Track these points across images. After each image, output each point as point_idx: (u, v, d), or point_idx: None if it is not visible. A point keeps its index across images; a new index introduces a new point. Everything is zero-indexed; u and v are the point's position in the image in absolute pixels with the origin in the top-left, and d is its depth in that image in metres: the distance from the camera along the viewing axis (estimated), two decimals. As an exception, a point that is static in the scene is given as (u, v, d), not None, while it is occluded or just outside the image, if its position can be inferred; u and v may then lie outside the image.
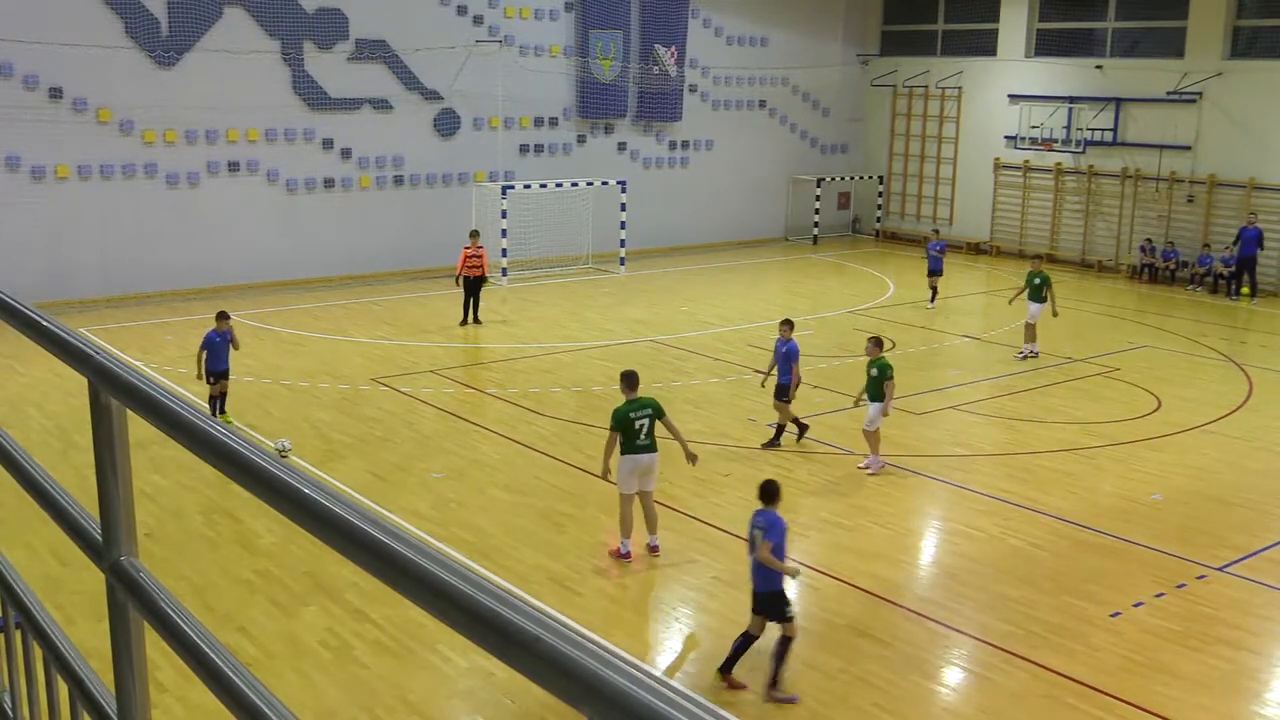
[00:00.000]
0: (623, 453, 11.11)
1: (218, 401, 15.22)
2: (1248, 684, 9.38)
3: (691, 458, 11.61)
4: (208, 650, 1.79)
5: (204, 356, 15.00)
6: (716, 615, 10.28)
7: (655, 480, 11.45)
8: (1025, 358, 19.63)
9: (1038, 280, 19.60)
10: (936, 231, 26.84)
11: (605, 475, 11.50)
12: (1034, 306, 19.59)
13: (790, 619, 8.95)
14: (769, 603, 8.96)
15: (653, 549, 11.48)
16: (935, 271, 24.12)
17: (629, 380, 11.48)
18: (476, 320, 21.82)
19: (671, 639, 10.05)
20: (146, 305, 22.98)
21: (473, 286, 21.67)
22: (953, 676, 9.44)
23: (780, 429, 14.86)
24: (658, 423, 11.23)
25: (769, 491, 9.19)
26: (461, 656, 9.17)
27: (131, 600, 1.93)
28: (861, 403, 14.16)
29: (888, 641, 9.82)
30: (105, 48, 22.45)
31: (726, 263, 29.83)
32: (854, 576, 11.05)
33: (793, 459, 14.37)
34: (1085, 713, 8.74)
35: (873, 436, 13.96)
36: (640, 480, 11.22)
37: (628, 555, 11.26)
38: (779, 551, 8.91)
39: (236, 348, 15.35)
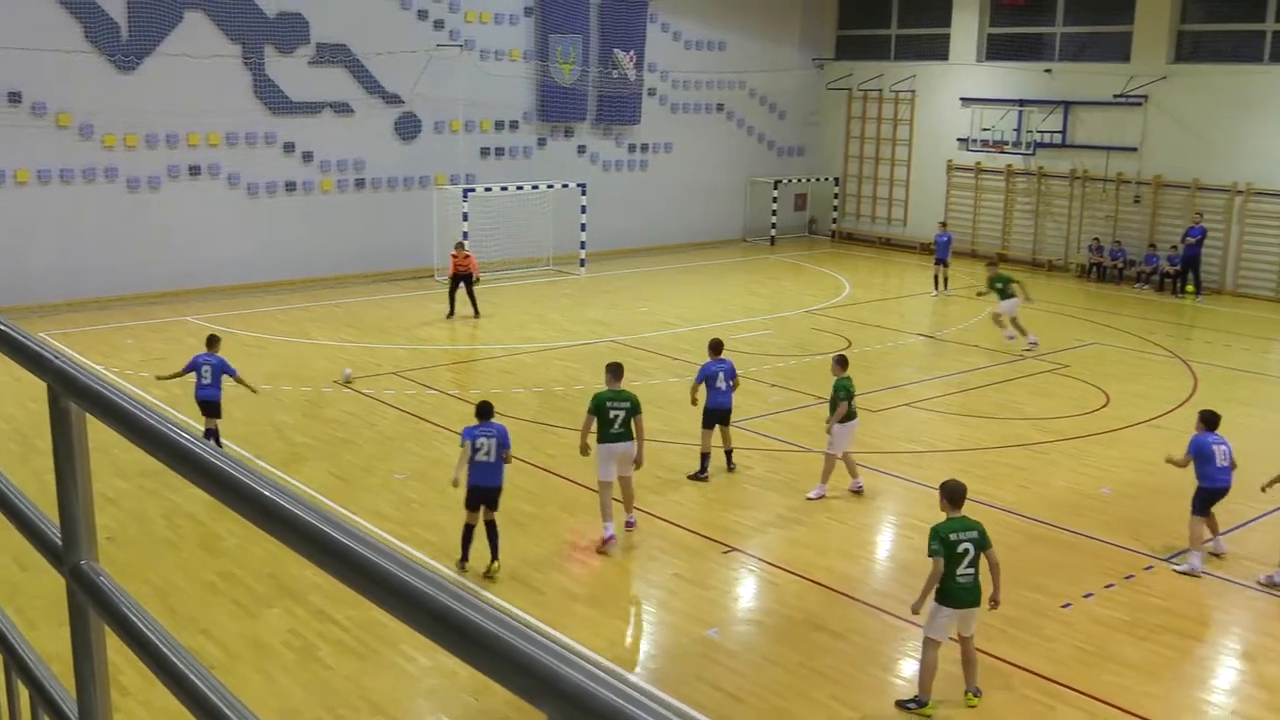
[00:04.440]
0: (599, 441, 11.65)
1: (211, 435, 13.77)
2: (1194, 671, 9.62)
3: (637, 462, 11.97)
4: (169, 653, 1.78)
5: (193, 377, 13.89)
6: (677, 612, 10.43)
7: (630, 466, 11.90)
8: (1032, 347, 20.48)
9: (999, 284, 20.54)
10: (944, 224, 27.85)
11: (584, 451, 11.94)
12: (1006, 304, 20.54)
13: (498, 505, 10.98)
14: (499, 495, 10.93)
15: (629, 524, 12.04)
16: (942, 260, 26.10)
17: (614, 371, 12.06)
18: (476, 313, 22.45)
19: (632, 636, 10.19)
20: (108, 309, 22.83)
21: (457, 282, 22.30)
22: (909, 668, 9.56)
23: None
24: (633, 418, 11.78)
25: (487, 409, 11.08)
26: (425, 656, 9.23)
27: (92, 604, 1.91)
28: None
29: (845, 635, 9.99)
30: (64, 52, 22.28)
31: (685, 264, 30.04)
32: (811, 572, 11.24)
33: (753, 456, 14.57)
34: (1038, 702, 8.93)
35: (829, 460, 13.26)
36: (618, 468, 11.74)
37: (612, 539, 11.63)
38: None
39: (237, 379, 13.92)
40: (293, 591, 10.42)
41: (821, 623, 10.21)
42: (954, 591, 8.65)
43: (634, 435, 11.76)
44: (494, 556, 11.00)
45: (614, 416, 11.63)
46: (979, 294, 21.24)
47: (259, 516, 1.45)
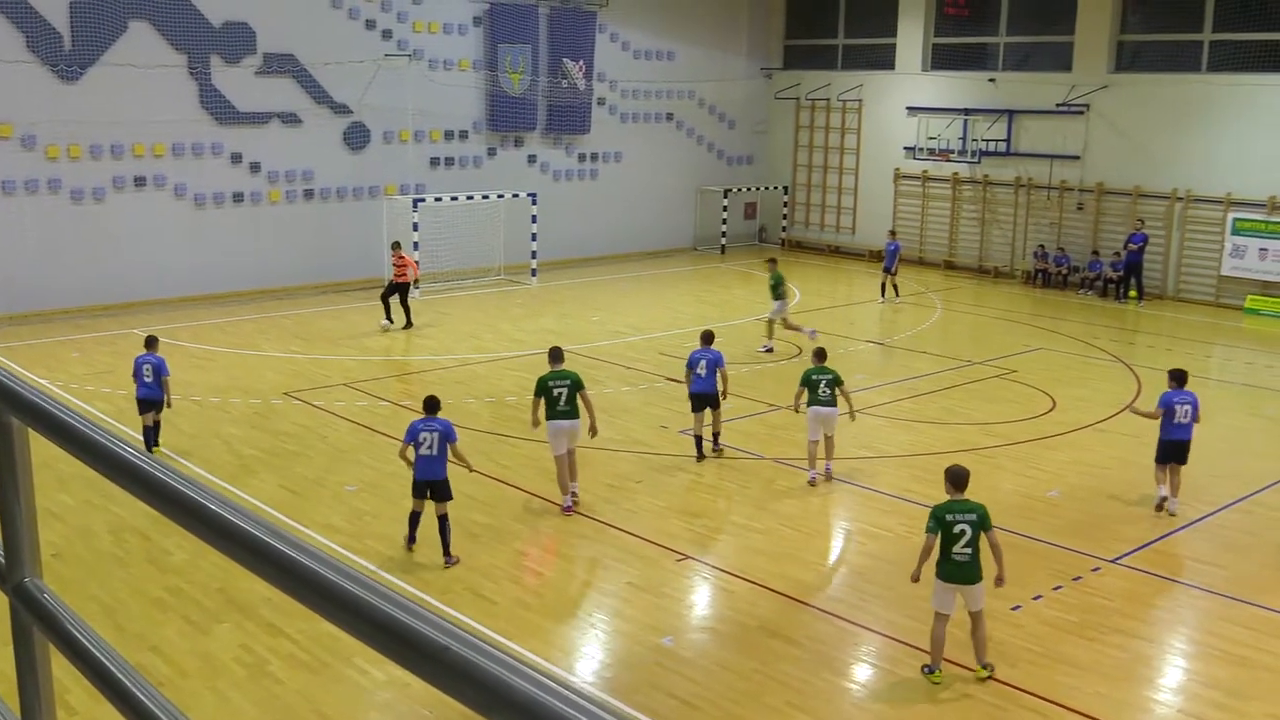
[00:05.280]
0: (546, 419, 12.70)
1: (151, 433, 14.41)
2: (1142, 671, 9.74)
3: (592, 431, 13.05)
4: (116, 671, 1.76)
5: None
6: (632, 620, 10.43)
7: (577, 441, 12.92)
8: (768, 351, 20.71)
9: (772, 282, 20.77)
10: (893, 233, 28.05)
11: (534, 424, 12.98)
12: (777, 305, 20.75)
13: (450, 497, 11.44)
14: (445, 487, 11.36)
15: (572, 498, 12.92)
16: (889, 269, 26.27)
17: (555, 354, 13.24)
18: (409, 323, 22.31)
19: (587, 645, 10.18)
20: (52, 322, 22.47)
21: (394, 290, 22.18)
22: (863, 673, 9.68)
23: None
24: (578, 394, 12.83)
25: (434, 404, 11.63)
26: (378, 669, 9.16)
27: (36, 622, 1.89)
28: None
29: (799, 641, 10.04)
30: (6, 62, 21.92)
31: (636, 273, 30.09)
32: (766, 579, 11.29)
33: (705, 464, 14.62)
34: (989, 703, 9.01)
35: (811, 446, 14.15)
36: (567, 442, 12.76)
37: (570, 507, 12.88)
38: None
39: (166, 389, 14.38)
40: (243, 606, 10.31)
41: (776, 629, 10.25)
42: (949, 568, 9.30)
43: (579, 413, 12.74)
44: (445, 552, 11.39)
45: (558, 394, 12.65)
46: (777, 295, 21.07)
47: (205, 531, 1.45)
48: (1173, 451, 13.04)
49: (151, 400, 14.30)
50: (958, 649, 9.72)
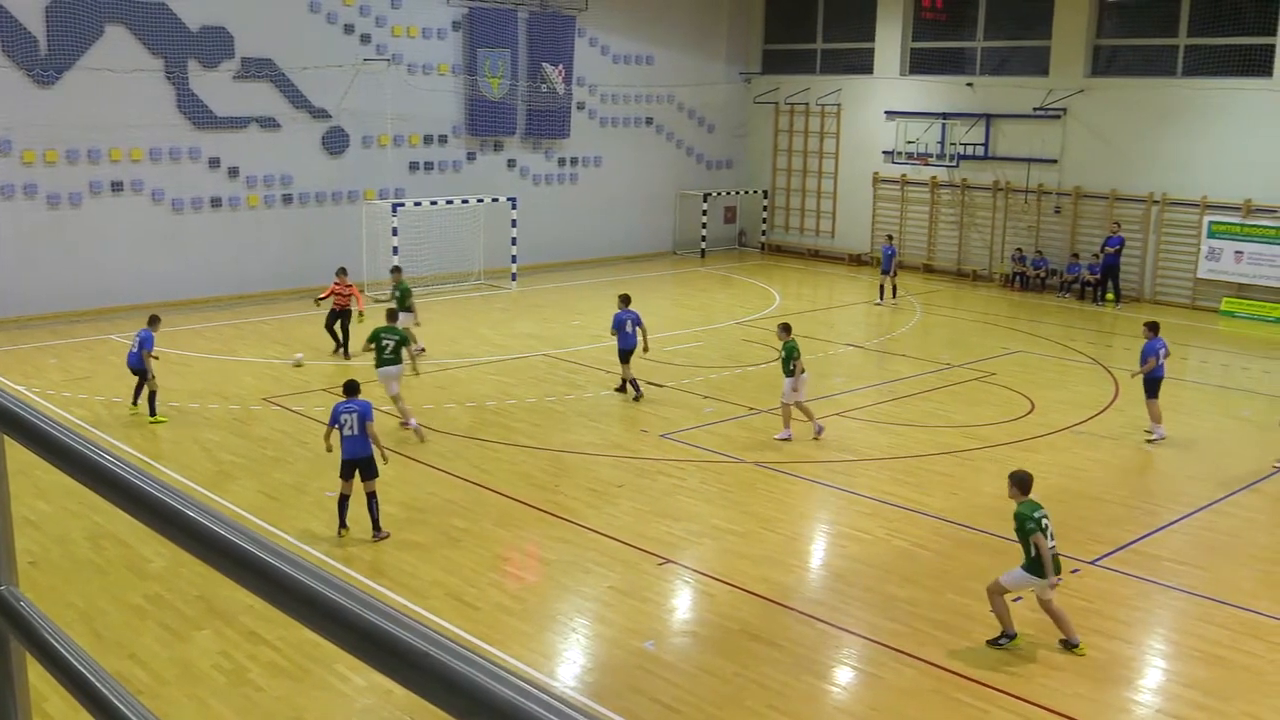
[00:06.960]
0: (376, 366, 15.57)
1: (138, 393, 16.43)
2: (1121, 672, 9.77)
3: (414, 373, 16.74)
4: (94, 680, 1.74)
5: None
6: (613, 624, 10.43)
7: (398, 386, 15.70)
8: (419, 351, 19.90)
9: (398, 293, 19.73)
10: (890, 237, 28.22)
11: (365, 350, 15.84)
12: (404, 315, 19.13)
13: (377, 474, 12.15)
14: (371, 465, 12.03)
15: (403, 425, 15.46)
16: (886, 272, 26.66)
17: (390, 315, 16.26)
18: (345, 354, 20.41)
19: (569, 649, 10.17)
20: (28, 328, 22.31)
21: (335, 318, 20.69)
22: (844, 675, 9.70)
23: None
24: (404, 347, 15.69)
25: (353, 387, 12.46)
26: (359, 675, 9.14)
27: (13, 631, 1.88)
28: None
29: (780, 644, 10.05)
30: (-21, 66, 21.82)
31: (616, 277, 30.05)
32: (746, 582, 11.30)
33: (686, 468, 14.64)
34: (971, 705, 9.05)
35: (785, 409, 15.84)
36: (394, 384, 15.62)
37: (412, 426, 15.49)
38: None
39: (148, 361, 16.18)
40: (223, 613, 10.26)
41: (756, 632, 10.26)
42: (1054, 562, 9.91)
43: (401, 360, 15.55)
44: (375, 527, 12.11)
45: (385, 344, 15.42)
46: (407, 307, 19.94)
47: (184, 538, 1.44)
48: (1158, 385, 16.05)
49: (135, 369, 16.30)
50: (925, 645, 9.74)
